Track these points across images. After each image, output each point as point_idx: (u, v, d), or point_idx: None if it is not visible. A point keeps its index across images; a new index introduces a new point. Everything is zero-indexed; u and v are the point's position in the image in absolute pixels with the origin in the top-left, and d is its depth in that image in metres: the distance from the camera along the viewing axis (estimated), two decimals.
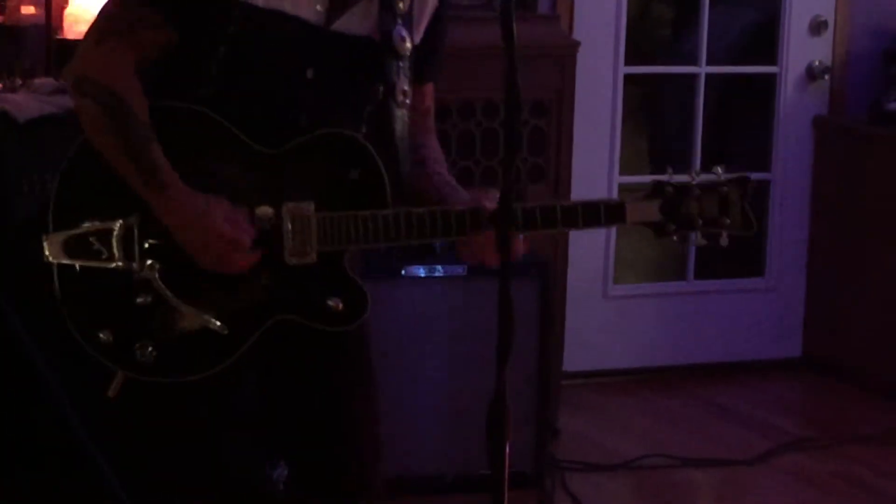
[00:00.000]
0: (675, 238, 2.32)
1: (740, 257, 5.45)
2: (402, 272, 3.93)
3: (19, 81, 3.77)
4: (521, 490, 3.86)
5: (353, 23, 2.31)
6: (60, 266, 2.27)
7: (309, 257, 2.26)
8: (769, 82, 5.26)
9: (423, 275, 3.95)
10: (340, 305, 2.27)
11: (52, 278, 2.28)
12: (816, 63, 5.23)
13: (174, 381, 2.29)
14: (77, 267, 2.27)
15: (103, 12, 2.30)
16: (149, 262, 2.25)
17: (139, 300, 2.26)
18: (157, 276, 2.25)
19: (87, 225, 2.26)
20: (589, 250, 5.04)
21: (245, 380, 2.34)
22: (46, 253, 2.27)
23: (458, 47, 4.28)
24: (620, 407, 4.93)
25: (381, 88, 2.34)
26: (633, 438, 4.57)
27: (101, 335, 2.26)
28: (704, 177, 2.30)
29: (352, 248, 2.28)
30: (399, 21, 2.32)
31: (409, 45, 2.34)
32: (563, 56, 4.50)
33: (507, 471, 1.98)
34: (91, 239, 2.26)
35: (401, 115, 2.34)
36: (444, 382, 3.96)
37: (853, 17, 5.22)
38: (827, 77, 5.24)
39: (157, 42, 2.25)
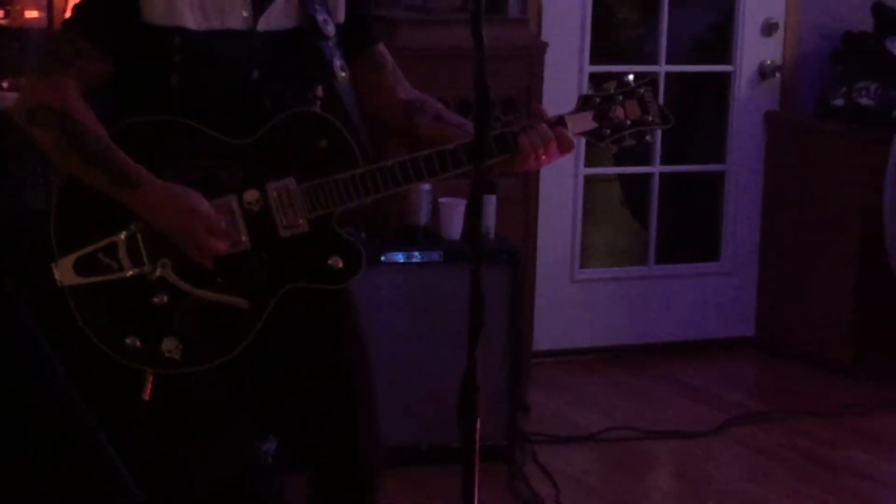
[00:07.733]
0: (610, 144, 2.48)
1: (698, 243, 5.49)
2: (382, 258, 3.99)
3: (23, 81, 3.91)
4: (493, 462, 3.93)
5: (279, 19, 2.43)
6: (72, 289, 2.34)
7: (301, 227, 2.37)
8: (724, 80, 5.33)
9: (401, 260, 4.01)
10: (340, 263, 2.39)
11: (66, 301, 2.34)
12: (768, 62, 5.31)
13: (198, 370, 2.37)
14: (89, 284, 2.34)
15: (46, 48, 2.43)
16: (161, 260, 2.35)
17: (156, 300, 2.36)
18: (170, 270, 2.35)
19: (92, 244, 2.34)
20: (557, 237, 5.08)
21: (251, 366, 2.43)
22: (58, 278, 2.34)
23: (434, 48, 4.30)
24: (587, 383, 4.97)
25: (320, 69, 2.45)
26: (598, 413, 4.64)
27: (128, 341, 2.35)
28: (616, 86, 2.47)
29: (337, 209, 2.39)
30: (318, 6, 2.45)
31: (331, 27, 2.46)
32: (532, 56, 4.52)
33: (477, 444, 2.04)
34: (99, 255, 2.34)
35: (344, 88, 2.47)
36: (421, 360, 4.00)
37: (802, 19, 5.29)
38: (778, 75, 5.31)
39: (97, 72, 2.38)
